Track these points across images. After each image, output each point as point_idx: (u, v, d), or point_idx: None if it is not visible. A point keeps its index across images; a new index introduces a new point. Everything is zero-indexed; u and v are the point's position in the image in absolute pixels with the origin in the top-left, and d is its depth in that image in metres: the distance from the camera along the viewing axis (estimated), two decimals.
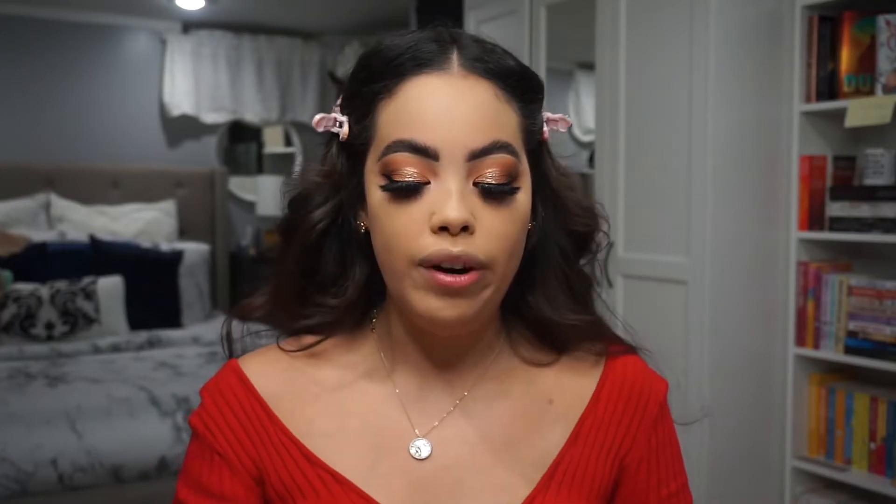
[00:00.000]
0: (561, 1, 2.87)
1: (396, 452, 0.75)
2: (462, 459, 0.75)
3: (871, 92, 2.23)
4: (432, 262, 0.67)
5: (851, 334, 2.25)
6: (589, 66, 2.88)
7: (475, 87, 0.69)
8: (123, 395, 2.84)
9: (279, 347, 0.80)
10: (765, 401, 2.40)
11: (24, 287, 3.66)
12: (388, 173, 0.69)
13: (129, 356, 3.54)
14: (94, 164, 4.54)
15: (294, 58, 5.16)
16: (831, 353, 2.30)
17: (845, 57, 2.26)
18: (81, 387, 2.93)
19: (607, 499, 0.79)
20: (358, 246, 0.77)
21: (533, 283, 0.78)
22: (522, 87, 0.73)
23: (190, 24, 4.85)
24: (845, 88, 2.26)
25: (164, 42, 4.78)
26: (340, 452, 0.75)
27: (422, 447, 0.75)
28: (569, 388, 0.80)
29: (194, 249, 4.40)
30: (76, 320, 3.69)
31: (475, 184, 0.68)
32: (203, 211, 4.78)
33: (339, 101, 0.77)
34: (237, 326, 0.82)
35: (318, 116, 0.75)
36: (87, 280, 3.78)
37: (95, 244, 4.03)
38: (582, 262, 0.82)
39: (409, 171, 0.68)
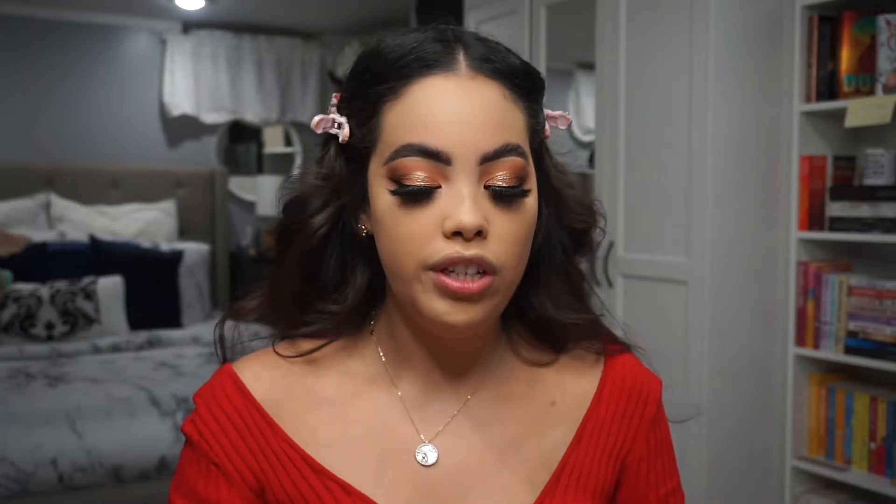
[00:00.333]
0: (561, 1, 2.87)
1: (402, 459, 0.73)
2: (469, 464, 0.74)
3: (871, 92, 2.22)
4: (444, 265, 0.66)
5: (851, 334, 2.25)
6: (589, 66, 2.89)
7: (483, 87, 0.68)
8: (123, 395, 2.84)
9: (275, 352, 0.77)
10: (765, 401, 2.40)
11: (24, 287, 3.66)
12: (397, 178, 0.67)
13: (129, 356, 3.54)
14: (94, 164, 4.54)
15: (294, 58, 5.16)
16: (831, 353, 2.30)
17: (845, 57, 2.26)
18: (81, 387, 2.93)
19: (610, 499, 0.79)
20: (359, 250, 0.75)
21: (537, 282, 0.77)
22: (527, 86, 0.72)
23: (190, 24, 4.85)
24: (845, 88, 2.26)
25: (164, 42, 4.78)
26: (345, 461, 0.73)
27: (428, 453, 0.74)
28: (570, 388, 0.79)
29: (194, 249, 4.40)
30: (76, 320, 3.69)
31: (486, 187, 0.68)
32: (203, 211, 4.78)
33: (334, 102, 0.75)
34: (230, 329, 0.79)
35: (317, 118, 0.73)
36: (87, 280, 3.78)
37: (95, 244, 4.03)
38: (586, 254, 0.81)
39: (420, 175, 0.66)
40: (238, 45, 4.98)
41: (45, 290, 3.66)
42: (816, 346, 2.34)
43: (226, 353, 0.79)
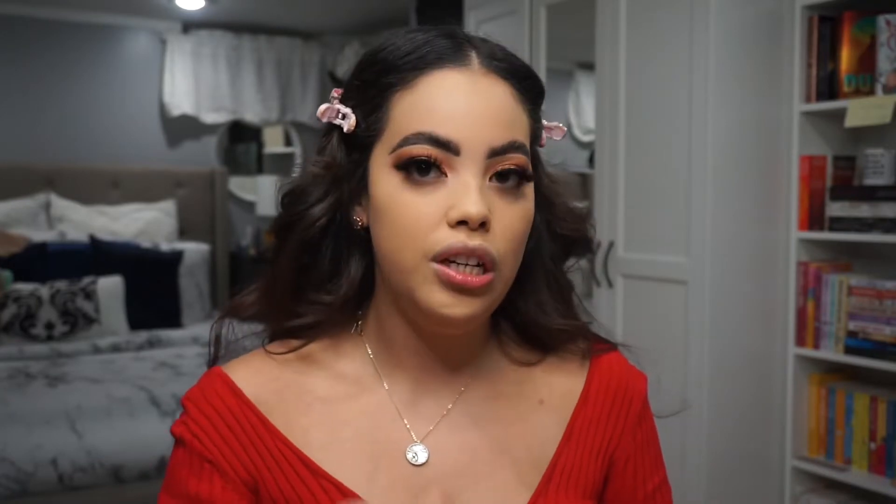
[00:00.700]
0: (561, 1, 2.87)
1: (395, 460, 0.73)
2: (461, 465, 0.74)
3: (871, 92, 2.23)
4: (447, 255, 0.66)
5: (851, 334, 2.25)
6: (589, 66, 2.89)
7: (494, 85, 0.69)
8: (123, 395, 2.84)
9: (265, 352, 0.77)
10: (765, 401, 2.40)
11: (24, 287, 3.66)
12: (404, 162, 0.67)
13: (129, 356, 3.54)
14: (94, 164, 4.54)
15: (294, 58, 5.16)
16: (831, 353, 2.30)
17: (845, 57, 2.26)
18: (81, 387, 2.93)
19: (599, 496, 0.79)
20: (354, 242, 0.75)
21: (525, 287, 0.78)
22: (532, 90, 0.73)
23: (190, 24, 4.85)
24: (845, 88, 2.26)
25: (164, 42, 4.79)
26: (339, 462, 0.72)
27: (419, 452, 0.74)
28: (557, 387, 0.80)
29: (194, 249, 4.40)
30: (76, 320, 3.70)
31: (491, 179, 0.68)
32: (203, 211, 4.79)
33: (335, 94, 0.75)
34: (225, 330, 0.79)
35: (323, 107, 0.73)
36: (87, 280, 3.78)
37: (95, 244, 4.04)
38: (573, 263, 0.82)
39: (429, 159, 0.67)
40: (238, 45, 4.98)
41: (45, 290, 3.66)
42: (816, 346, 2.34)
43: (218, 355, 0.79)
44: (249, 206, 5.18)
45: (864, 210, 2.22)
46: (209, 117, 4.91)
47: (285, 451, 0.73)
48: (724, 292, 2.30)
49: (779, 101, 2.35)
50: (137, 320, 3.92)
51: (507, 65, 0.71)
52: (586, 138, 3.36)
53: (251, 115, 5.05)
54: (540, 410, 0.78)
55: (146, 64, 4.78)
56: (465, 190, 0.66)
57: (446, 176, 0.67)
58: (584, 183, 3.19)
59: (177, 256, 4.21)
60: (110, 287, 3.83)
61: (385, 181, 0.69)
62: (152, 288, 4.04)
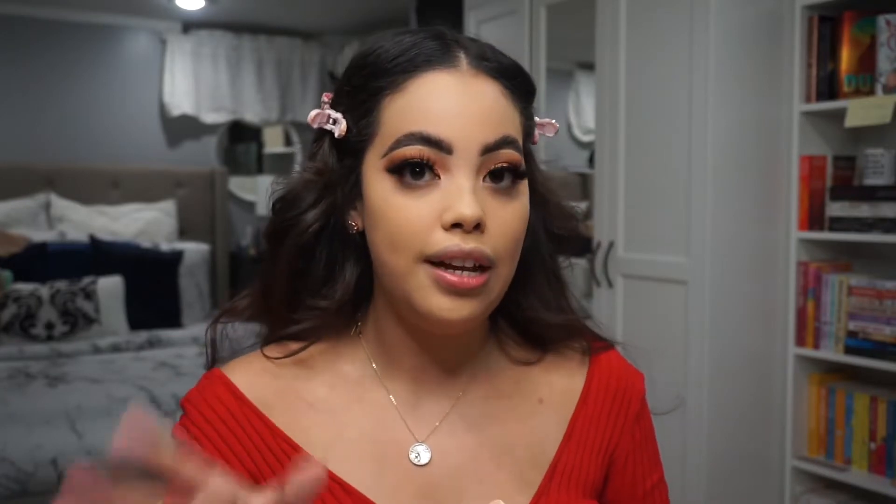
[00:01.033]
0: (561, 1, 2.87)
1: (398, 461, 0.73)
2: (463, 465, 0.74)
3: (871, 92, 2.23)
4: (442, 258, 0.66)
5: (851, 334, 2.25)
6: (589, 66, 2.89)
7: (484, 84, 0.69)
8: (123, 395, 2.85)
9: (263, 355, 0.77)
10: (765, 401, 2.40)
11: (24, 287, 3.66)
12: (397, 165, 0.67)
13: (129, 356, 3.54)
14: (94, 164, 4.54)
15: (294, 58, 5.16)
16: (831, 353, 2.30)
17: (845, 57, 2.26)
18: (81, 387, 2.93)
19: (599, 495, 0.80)
20: (349, 247, 0.75)
21: (525, 284, 0.78)
22: (523, 89, 0.73)
23: (190, 24, 4.86)
24: (845, 88, 2.26)
25: (164, 42, 4.79)
26: (343, 462, 0.72)
27: (421, 453, 0.74)
28: (557, 386, 0.80)
29: (194, 249, 4.40)
30: (76, 320, 3.70)
31: (485, 178, 0.68)
32: (203, 211, 4.79)
33: (325, 99, 0.75)
34: (221, 333, 0.79)
35: (313, 112, 0.73)
36: (87, 280, 3.78)
37: (95, 244, 4.04)
38: (565, 262, 0.82)
39: (422, 160, 0.67)
40: (238, 45, 4.98)
41: (45, 290, 3.66)
42: (816, 346, 2.34)
43: (215, 358, 0.79)
44: (249, 206, 5.18)
45: (864, 210, 2.22)
46: (209, 117, 4.91)
47: (288, 451, 0.73)
48: (724, 292, 2.30)
49: (779, 101, 2.35)
50: (137, 320, 3.92)
51: (497, 64, 0.71)
52: (586, 138, 3.36)
53: (251, 115, 5.05)
54: (540, 409, 0.78)
55: (146, 64, 4.78)
56: (459, 192, 0.66)
57: (440, 178, 0.67)
58: (584, 183, 3.19)
59: (177, 256, 4.21)
60: (110, 287, 3.83)
61: (378, 185, 0.69)
62: (152, 288, 4.04)
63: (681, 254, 2.35)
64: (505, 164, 0.69)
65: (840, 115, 2.24)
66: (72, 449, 2.52)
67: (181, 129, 4.89)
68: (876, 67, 2.19)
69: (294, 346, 0.77)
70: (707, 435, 2.29)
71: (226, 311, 0.80)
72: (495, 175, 0.69)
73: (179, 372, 3.23)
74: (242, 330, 0.81)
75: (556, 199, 0.79)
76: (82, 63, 4.61)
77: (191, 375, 3.14)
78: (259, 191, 4.98)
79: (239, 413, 0.73)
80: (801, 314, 2.37)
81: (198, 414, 0.73)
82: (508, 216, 0.69)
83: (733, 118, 2.29)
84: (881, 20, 2.18)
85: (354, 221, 0.74)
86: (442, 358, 0.76)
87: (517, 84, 0.72)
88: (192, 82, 4.82)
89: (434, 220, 0.66)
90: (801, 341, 2.36)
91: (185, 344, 3.84)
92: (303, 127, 5.24)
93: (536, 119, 0.77)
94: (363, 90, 0.71)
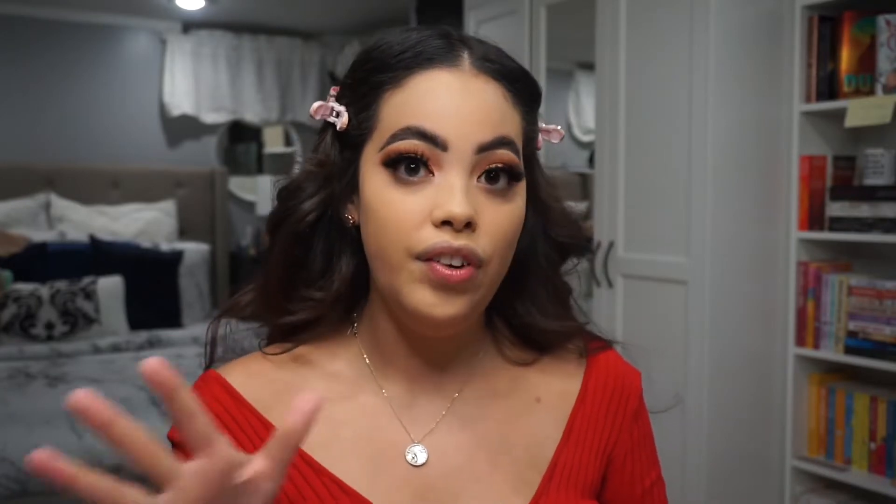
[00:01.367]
0: (561, 1, 2.87)
1: (394, 461, 0.73)
2: (461, 466, 0.74)
3: (871, 92, 2.23)
4: (431, 254, 0.66)
5: (851, 334, 2.25)
6: (589, 66, 2.89)
7: (485, 86, 0.69)
8: (123, 395, 2.85)
9: (261, 354, 0.77)
10: (765, 401, 2.40)
11: (24, 287, 3.66)
12: (392, 159, 0.68)
13: (129, 356, 3.54)
14: (94, 164, 4.54)
15: (294, 58, 5.16)
16: (831, 353, 2.30)
17: (845, 57, 2.26)
18: (81, 387, 2.92)
19: (598, 494, 0.79)
20: (346, 240, 0.76)
21: (522, 290, 0.78)
22: (527, 93, 0.73)
23: (190, 24, 4.86)
24: (845, 88, 2.26)
25: (164, 42, 4.79)
26: (339, 461, 0.72)
27: (418, 453, 0.74)
28: (555, 386, 0.80)
29: (194, 249, 4.40)
30: (76, 320, 3.70)
31: (479, 178, 0.68)
32: (203, 211, 4.79)
33: (333, 92, 0.76)
34: (221, 333, 0.79)
35: (316, 104, 0.74)
36: (87, 280, 3.78)
37: (95, 244, 4.04)
38: (570, 267, 0.82)
39: (416, 153, 0.67)
40: (238, 45, 4.98)
41: (45, 290, 3.66)
42: (816, 346, 2.34)
43: (215, 356, 0.79)
44: (249, 206, 5.18)
45: (864, 210, 2.22)
46: (209, 117, 4.91)
47: None
48: (724, 292, 2.30)
49: (779, 101, 2.35)
50: (137, 320, 3.92)
51: (500, 66, 0.71)
52: (586, 138, 3.36)
53: (251, 115, 5.05)
54: (537, 409, 0.78)
55: (146, 64, 4.78)
56: (451, 189, 0.66)
57: (433, 175, 0.67)
58: (584, 183, 3.19)
59: (177, 256, 4.21)
60: (110, 287, 3.83)
61: (374, 179, 0.69)
62: (152, 288, 4.04)
63: (681, 254, 2.35)
64: (500, 165, 0.68)
65: (840, 115, 2.24)
66: (72, 449, 2.51)
67: (181, 129, 4.89)
68: (876, 67, 2.19)
69: (291, 344, 0.78)
70: (707, 435, 2.29)
71: (228, 308, 0.80)
72: (491, 175, 0.69)
73: (179, 372, 3.23)
74: (244, 332, 0.81)
75: (559, 206, 0.79)
76: (82, 63, 4.61)
77: (191, 375, 3.08)
78: (259, 191, 4.98)
79: (236, 413, 0.74)
80: (801, 314, 2.37)
81: None
82: (501, 217, 0.69)
83: (733, 118, 2.29)
84: (881, 20, 2.18)
85: (351, 215, 0.74)
86: (436, 358, 0.76)
87: (520, 88, 0.72)
88: (192, 82, 4.82)
89: (425, 216, 0.67)
90: (801, 341, 2.36)
91: (185, 344, 3.84)
92: (303, 127, 5.24)
93: (542, 125, 0.77)
94: (365, 84, 0.71)
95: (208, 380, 0.76)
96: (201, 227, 4.77)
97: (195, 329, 4.02)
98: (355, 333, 0.78)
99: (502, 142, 0.68)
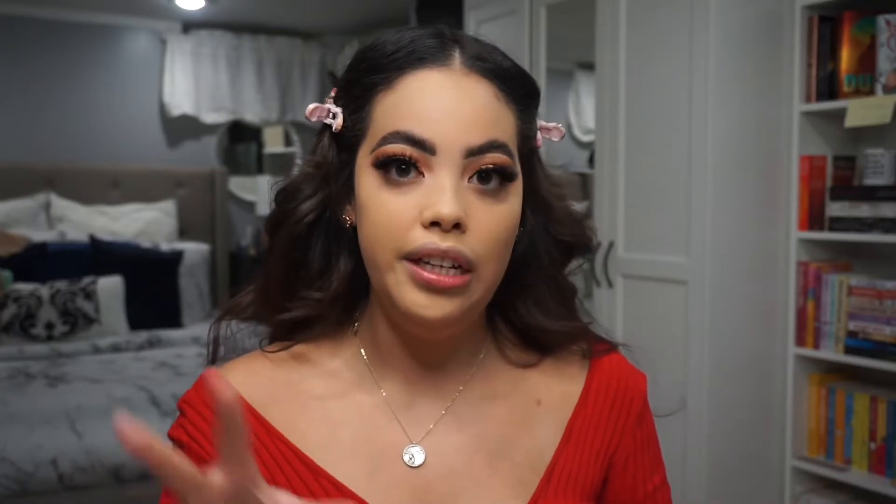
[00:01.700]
0: (561, 1, 2.87)
1: (392, 462, 0.73)
2: (459, 467, 0.74)
3: (871, 92, 2.23)
4: (419, 255, 0.66)
5: (851, 334, 2.25)
6: (589, 66, 2.89)
7: (476, 85, 0.69)
8: (123, 395, 2.85)
9: (262, 353, 0.78)
10: (765, 401, 2.40)
11: (24, 287, 3.66)
12: (382, 162, 0.68)
13: (129, 356, 3.54)
14: (94, 164, 4.54)
15: (294, 58, 5.16)
16: (831, 353, 2.30)
17: (845, 57, 2.26)
18: (81, 387, 2.93)
19: (598, 498, 0.79)
20: (344, 241, 0.76)
21: (523, 290, 0.77)
22: (521, 91, 0.72)
23: (190, 24, 4.85)
24: (845, 88, 2.26)
25: (164, 42, 4.79)
26: (337, 462, 0.72)
27: (415, 454, 0.73)
28: (556, 388, 0.79)
29: (194, 249, 4.40)
30: (76, 320, 3.69)
31: (470, 180, 0.68)
32: (203, 211, 4.79)
33: (331, 95, 0.76)
34: (223, 331, 0.79)
35: (312, 106, 0.74)
36: (87, 280, 3.78)
37: (95, 244, 4.04)
38: (574, 267, 0.82)
39: (405, 158, 0.67)
40: (238, 45, 4.98)
41: (45, 290, 3.66)
42: (816, 346, 2.34)
43: (216, 356, 0.79)
44: (249, 206, 5.18)
45: (864, 210, 2.22)
46: (209, 117, 4.91)
47: (284, 451, 0.73)
48: (724, 292, 2.30)
49: (779, 101, 2.35)
50: (137, 320, 3.92)
51: (492, 65, 0.70)
52: (586, 138, 3.36)
53: (251, 115, 5.05)
54: (538, 412, 0.78)
55: (146, 64, 4.78)
56: (440, 190, 0.66)
57: (424, 176, 0.67)
58: (584, 183, 3.19)
59: (177, 256, 4.21)
60: (110, 287, 3.83)
61: (367, 181, 0.69)
62: (152, 288, 4.04)
63: (681, 254, 2.35)
64: (491, 166, 0.68)
65: (840, 115, 2.24)
66: (72, 449, 2.52)
67: (181, 129, 4.89)
68: (876, 67, 2.19)
69: (293, 343, 0.78)
70: (707, 435, 2.29)
71: (229, 308, 0.81)
72: (483, 176, 0.68)
73: (179, 372, 3.23)
74: (244, 332, 0.81)
75: (561, 205, 0.78)
76: (82, 63, 4.61)
77: (191, 375, 3.14)
78: (259, 191, 4.98)
79: None
80: (801, 314, 2.37)
81: (194, 413, 0.74)
82: (492, 218, 0.68)
83: (733, 118, 2.29)
84: (881, 20, 2.18)
85: (348, 216, 0.74)
86: (434, 358, 0.76)
87: (514, 86, 0.71)
88: (192, 82, 4.82)
89: (414, 217, 0.66)
90: (801, 341, 2.36)
91: (185, 344, 3.84)
92: (303, 127, 5.24)
93: (542, 123, 0.77)
94: (358, 85, 0.71)
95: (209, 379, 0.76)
96: (201, 227, 4.77)
97: (195, 329, 4.02)
98: (356, 333, 0.78)
99: (492, 145, 0.68)
